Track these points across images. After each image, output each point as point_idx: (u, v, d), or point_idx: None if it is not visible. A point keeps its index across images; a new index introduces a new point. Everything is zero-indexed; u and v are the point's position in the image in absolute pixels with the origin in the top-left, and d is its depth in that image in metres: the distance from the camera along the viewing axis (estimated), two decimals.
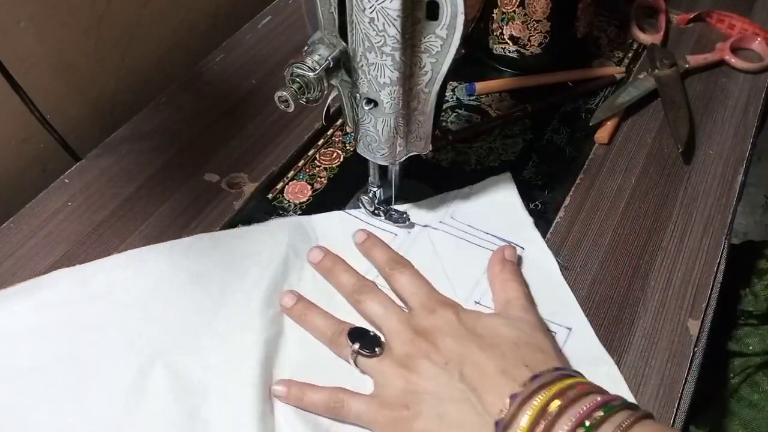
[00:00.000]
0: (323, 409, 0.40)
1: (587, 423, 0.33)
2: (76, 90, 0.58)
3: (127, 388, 0.41)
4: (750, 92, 0.61)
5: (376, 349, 0.41)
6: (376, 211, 0.50)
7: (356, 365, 0.42)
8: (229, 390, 0.41)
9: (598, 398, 0.34)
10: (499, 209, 0.51)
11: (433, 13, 0.36)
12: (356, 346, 0.41)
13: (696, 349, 0.44)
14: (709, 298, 0.47)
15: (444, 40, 0.37)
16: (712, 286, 0.47)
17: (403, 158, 0.45)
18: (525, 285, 0.45)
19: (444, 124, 0.59)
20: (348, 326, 0.43)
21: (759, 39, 0.64)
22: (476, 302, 0.46)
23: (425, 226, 0.50)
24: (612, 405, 0.33)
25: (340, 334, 0.42)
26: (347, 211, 0.52)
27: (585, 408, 0.33)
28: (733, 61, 0.63)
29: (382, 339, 0.42)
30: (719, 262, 0.49)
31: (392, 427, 0.39)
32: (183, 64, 0.67)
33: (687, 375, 0.42)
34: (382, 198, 0.50)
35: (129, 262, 0.47)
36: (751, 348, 0.74)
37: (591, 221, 0.51)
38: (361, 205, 0.51)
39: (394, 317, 0.43)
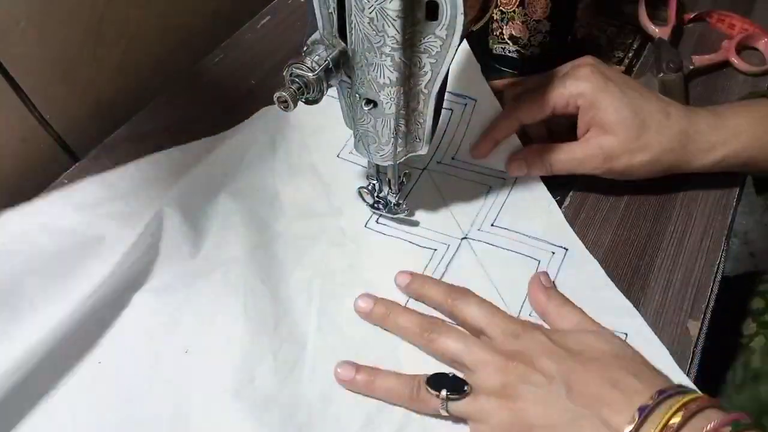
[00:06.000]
0: None
1: None
2: (76, 90, 0.58)
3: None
4: (750, 92, 0.61)
5: (466, 388, 0.39)
6: (375, 204, 0.50)
7: (448, 413, 0.39)
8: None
9: (724, 414, 0.33)
10: (534, 211, 0.51)
11: (433, 13, 0.36)
12: (443, 393, 0.39)
13: (696, 349, 0.44)
14: (709, 298, 0.46)
15: (443, 41, 0.37)
16: (712, 286, 0.47)
17: (403, 159, 0.45)
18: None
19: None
20: (423, 377, 0.40)
21: (765, 39, 0.64)
22: (530, 315, 0.45)
23: (464, 238, 0.50)
24: (740, 422, 0.33)
25: (419, 387, 0.40)
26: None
27: (712, 424, 0.33)
28: (737, 62, 0.62)
29: (462, 377, 0.40)
30: (719, 263, 0.49)
31: None
32: (183, 64, 0.67)
33: (687, 375, 0.42)
34: (381, 190, 0.50)
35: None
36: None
37: (591, 221, 0.51)
38: (360, 198, 0.51)
39: (477, 348, 0.40)
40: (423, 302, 0.46)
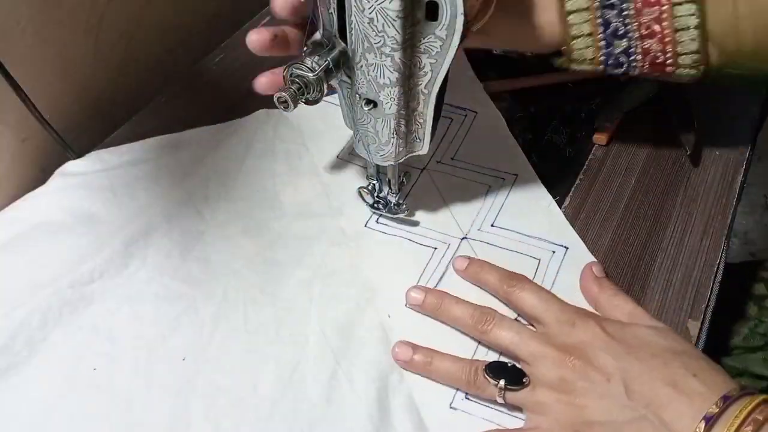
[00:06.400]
0: None
1: None
2: (76, 90, 0.58)
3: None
4: (750, 93, 0.61)
5: (524, 380, 0.39)
6: (375, 204, 0.50)
7: (505, 401, 0.39)
8: None
9: None
10: (534, 210, 0.51)
11: (433, 13, 0.36)
12: (502, 382, 0.39)
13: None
14: (709, 299, 0.46)
15: (443, 41, 0.37)
16: (712, 286, 0.47)
17: (402, 159, 0.45)
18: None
19: None
20: (481, 363, 0.40)
21: None
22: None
23: (464, 238, 0.50)
24: None
25: (476, 374, 0.40)
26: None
27: None
28: None
29: (520, 367, 0.40)
30: (719, 263, 0.49)
31: None
32: (183, 64, 0.67)
33: None
34: (382, 191, 0.50)
35: None
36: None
37: (591, 222, 0.51)
38: (361, 198, 0.51)
39: (533, 341, 0.40)
40: (479, 287, 0.46)
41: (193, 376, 0.42)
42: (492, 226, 0.50)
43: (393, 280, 0.47)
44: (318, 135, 0.57)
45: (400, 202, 0.50)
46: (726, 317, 0.69)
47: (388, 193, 0.49)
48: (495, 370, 0.40)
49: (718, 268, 0.48)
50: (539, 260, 0.48)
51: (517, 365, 0.40)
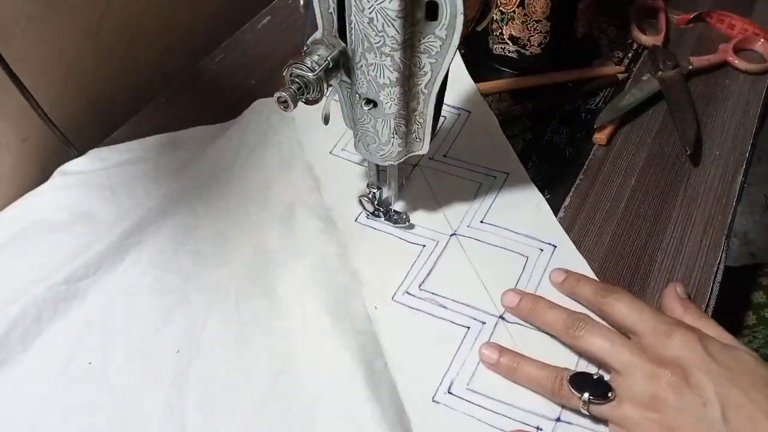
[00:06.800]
0: None
1: None
2: (76, 90, 0.58)
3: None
4: (750, 93, 0.61)
5: (609, 394, 0.37)
6: (375, 212, 0.50)
7: (589, 413, 0.38)
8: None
9: None
10: (523, 208, 0.51)
11: (433, 13, 0.36)
12: (586, 396, 0.37)
13: None
14: (709, 298, 0.46)
15: (443, 41, 0.37)
16: (712, 286, 0.47)
17: (402, 159, 0.45)
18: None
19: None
20: (566, 373, 0.39)
21: (762, 40, 0.64)
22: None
23: (453, 234, 0.50)
24: None
25: (561, 385, 0.39)
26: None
27: None
28: (737, 62, 0.62)
29: (607, 378, 0.39)
30: (719, 263, 0.48)
31: None
32: (183, 64, 0.67)
33: None
34: (382, 198, 0.50)
35: None
36: None
37: (591, 222, 0.51)
38: (361, 206, 0.51)
39: (626, 350, 0.38)
40: (575, 300, 0.45)
41: (186, 367, 0.42)
42: (481, 222, 0.50)
43: (381, 274, 0.47)
44: (312, 129, 0.57)
45: (401, 212, 0.50)
46: (725, 325, 0.69)
47: (387, 196, 0.49)
48: (579, 381, 0.38)
49: (718, 268, 0.48)
50: (527, 258, 0.48)
51: (604, 376, 0.39)
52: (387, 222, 0.50)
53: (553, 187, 0.53)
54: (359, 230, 0.50)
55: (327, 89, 0.40)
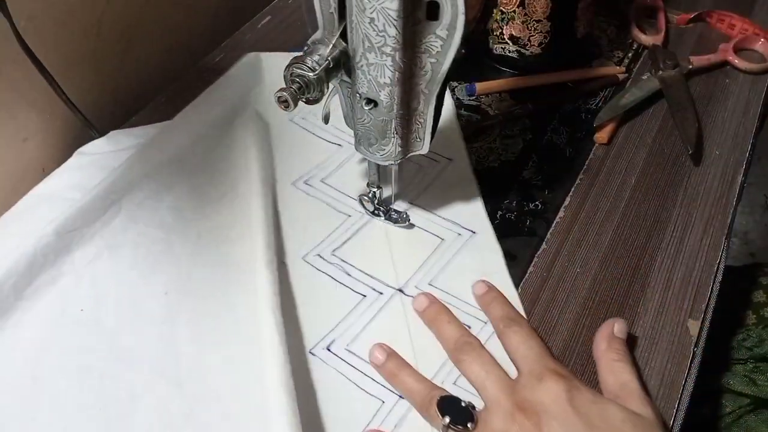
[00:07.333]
0: None
1: None
2: (76, 90, 0.58)
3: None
4: (750, 93, 0.61)
5: (469, 425, 0.38)
6: (375, 212, 0.50)
7: None
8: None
9: None
10: (456, 196, 0.52)
11: (434, 13, 0.36)
12: (447, 420, 0.38)
13: (696, 349, 0.44)
14: (709, 298, 0.46)
15: (444, 41, 0.37)
16: (712, 286, 0.47)
17: (403, 158, 0.45)
18: (635, 367, 0.41)
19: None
20: (438, 393, 0.39)
21: (762, 40, 0.64)
22: (430, 284, 0.47)
23: (374, 211, 0.51)
24: None
25: (430, 403, 0.39)
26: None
27: None
28: (737, 62, 0.62)
29: (475, 408, 0.39)
30: (719, 263, 0.49)
31: None
32: (183, 64, 0.67)
33: (687, 375, 0.42)
34: (382, 198, 0.50)
35: None
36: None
37: (591, 221, 0.51)
38: (361, 205, 0.51)
39: (496, 385, 0.39)
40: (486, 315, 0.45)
41: (176, 306, 0.45)
42: (411, 204, 0.51)
43: (300, 233, 0.50)
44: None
45: (401, 211, 0.50)
46: (725, 324, 0.69)
47: (387, 197, 0.50)
48: (446, 404, 0.39)
49: (718, 267, 0.48)
50: (443, 240, 0.49)
51: (473, 404, 0.39)
52: (387, 221, 0.50)
53: (553, 187, 0.53)
54: (294, 193, 0.53)
55: (327, 89, 0.40)
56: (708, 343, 0.46)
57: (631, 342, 0.44)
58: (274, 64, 0.61)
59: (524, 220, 0.51)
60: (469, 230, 0.50)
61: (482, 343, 0.43)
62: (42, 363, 0.42)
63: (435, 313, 0.44)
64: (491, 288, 0.46)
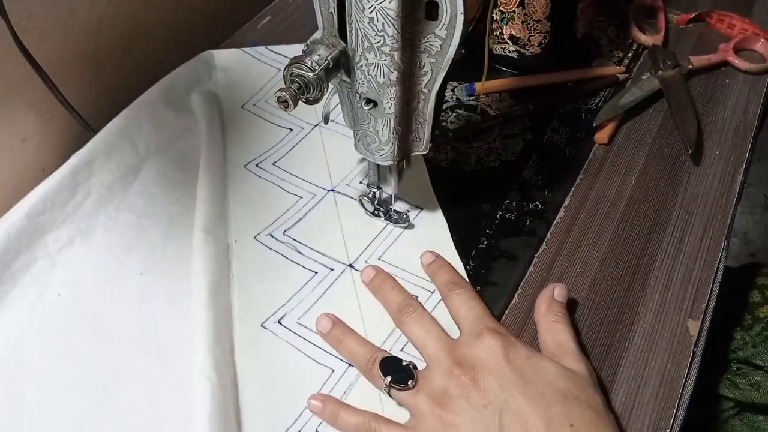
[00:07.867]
0: None
1: None
2: (75, 91, 0.58)
3: None
4: (750, 93, 0.61)
5: (409, 383, 0.39)
6: (376, 212, 0.50)
7: (390, 396, 0.40)
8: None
9: None
10: (407, 180, 0.52)
11: (433, 13, 0.36)
12: (388, 379, 0.39)
13: (696, 349, 0.44)
14: (709, 298, 0.46)
15: (444, 40, 0.37)
16: (712, 286, 0.47)
17: (403, 158, 0.45)
18: (572, 328, 0.42)
19: (444, 124, 0.59)
20: (381, 355, 0.41)
21: (762, 40, 0.64)
22: (379, 259, 0.48)
23: (330, 190, 0.52)
24: None
25: (373, 364, 0.40)
26: (244, 50, 0.61)
27: None
28: (737, 62, 0.62)
29: (417, 368, 0.40)
30: (719, 263, 0.49)
31: None
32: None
33: (687, 375, 0.42)
34: (382, 198, 0.50)
35: None
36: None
37: (591, 221, 0.51)
38: (361, 206, 0.51)
39: (436, 343, 0.40)
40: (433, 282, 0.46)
41: (152, 286, 0.46)
42: (360, 183, 0.52)
43: (251, 214, 0.51)
44: (232, 86, 0.61)
45: (401, 211, 0.50)
46: (726, 324, 0.69)
47: (387, 197, 0.50)
48: (387, 365, 0.40)
49: (718, 267, 0.48)
50: None
51: (415, 364, 0.40)
52: (387, 221, 0.50)
53: (553, 187, 0.53)
54: (246, 176, 0.54)
55: (327, 89, 0.40)
56: (708, 343, 0.46)
57: (630, 342, 0.44)
58: (227, 57, 0.64)
59: (524, 220, 0.51)
60: (416, 206, 0.51)
61: (429, 310, 0.44)
62: (25, 347, 0.43)
63: (380, 281, 0.46)
64: (438, 257, 0.47)
